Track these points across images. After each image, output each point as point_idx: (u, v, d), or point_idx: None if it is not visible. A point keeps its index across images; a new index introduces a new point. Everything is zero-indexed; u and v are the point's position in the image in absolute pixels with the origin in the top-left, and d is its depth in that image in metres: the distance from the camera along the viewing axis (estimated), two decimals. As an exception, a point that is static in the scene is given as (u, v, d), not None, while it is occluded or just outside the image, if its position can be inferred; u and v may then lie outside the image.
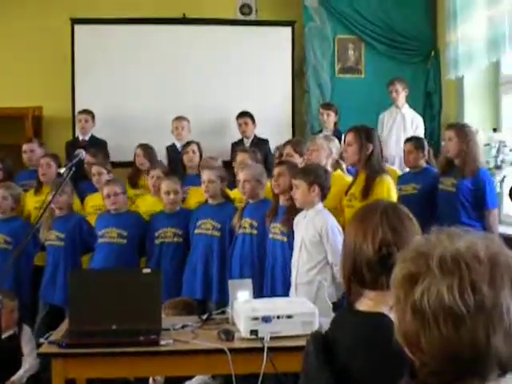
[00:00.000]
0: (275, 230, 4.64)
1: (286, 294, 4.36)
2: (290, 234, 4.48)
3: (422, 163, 5.53)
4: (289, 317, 3.18)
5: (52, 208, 5.08)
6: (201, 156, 6.19)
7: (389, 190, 4.46)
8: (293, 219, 4.42)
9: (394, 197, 4.48)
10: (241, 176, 4.94)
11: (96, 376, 3.57)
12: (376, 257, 1.89)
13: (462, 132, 4.99)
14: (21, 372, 4.49)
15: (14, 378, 4.43)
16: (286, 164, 4.80)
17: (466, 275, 1.15)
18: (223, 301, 4.68)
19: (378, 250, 1.89)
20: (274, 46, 7.54)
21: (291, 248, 4.43)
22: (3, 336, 4.32)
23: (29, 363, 4.52)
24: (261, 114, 6.97)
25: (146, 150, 6.27)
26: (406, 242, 1.91)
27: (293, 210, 4.46)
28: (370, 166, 4.52)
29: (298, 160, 5.19)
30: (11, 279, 5.02)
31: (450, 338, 1.15)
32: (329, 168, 4.82)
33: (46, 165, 5.84)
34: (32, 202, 5.79)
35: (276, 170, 4.69)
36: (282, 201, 4.68)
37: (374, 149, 4.52)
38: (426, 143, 5.63)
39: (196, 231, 5.10)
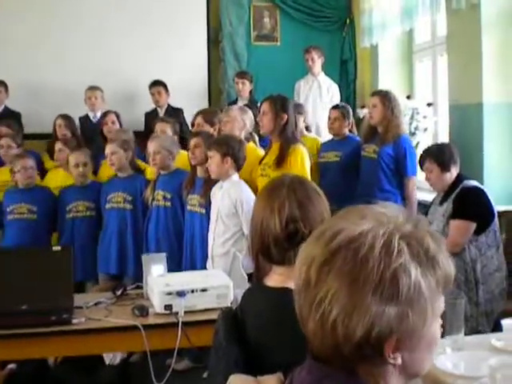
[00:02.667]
0: (193, 201, 4.59)
1: (205, 266, 4.35)
2: (208, 206, 4.45)
3: (346, 131, 5.57)
4: (203, 290, 3.17)
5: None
6: (120, 126, 6.05)
7: (302, 159, 4.46)
8: (210, 191, 4.41)
9: (307, 167, 4.49)
10: (150, 147, 4.84)
11: (9, 358, 3.50)
12: (283, 233, 1.88)
13: (387, 99, 5.04)
14: None
15: None
16: (202, 135, 4.73)
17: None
18: (139, 275, 4.67)
19: (284, 227, 1.88)
20: (188, 13, 7.42)
21: (209, 221, 4.41)
22: None
23: None
24: (176, 83, 6.84)
25: (68, 120, 6.09)
26: (313, 218, 1.91)
27: (211, 182, 4.42)
28: (285, 136, 4.51)
29: (210, 130, 5.15)
30: None
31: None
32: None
33: None
34: None
35: (192, 142, 4.62)
36: (200, 172, 4.63)
37: (288, 118, 4.52)
38: (351, 112, 5.68)
39: (107, 206, 4.98)
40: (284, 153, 4.45)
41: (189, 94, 7.15)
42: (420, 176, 5.90)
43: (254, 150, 4.94)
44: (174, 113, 6.49)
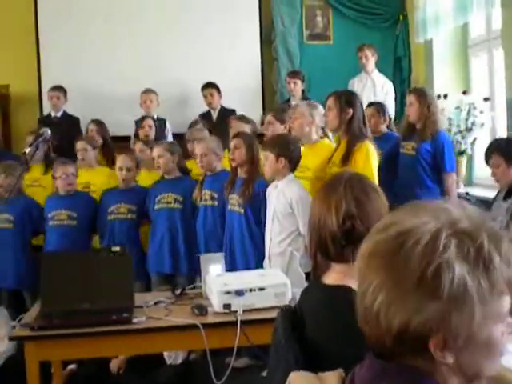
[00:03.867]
0: (233, 201, 4.65)
1: (246, 265, 4.41)
2: (247, 206, 4.52)
3: (383, 128, 5.55)
4: (261, 289, 3.19)
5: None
6: (156, 131, 6.15)
7: (367, 157, 4.30)
8: (250, 191, 4.48)
9: (372, 164, 4.32)
10: (197, 150, 4.92)
11: (69, 357, 3.57)
12: (340, 230, 1.88)
13: (422, 96, 5.02)
14: None
15: None
16: (241, 136, 4.75)
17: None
18: (192, 272, 4.79)
19: (341, 224, 1.88)
20: (241, 14, 7.45)
21: (247, 220, 4.51)
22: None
23: (4, 346, 4.48)
24: (229, 84, 6.90)
25: (100, 125, 6.21)
26: (371, 215, 1.90)
27: (250, 182, 4.50)
28: (351, 132, 4.38)
29: (280, 128, 5.14)
30: None
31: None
32: (314, 136, 4.74)
33: None
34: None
35: (232, 143, 4.65)
36: (241, 173, 4.67)
37: (354, 113, 4.39)
38: (386, 108, 5.63)
39: (156, 207, 5.07)
40: (350, 149, 4.32)
41: (242, 95, 7.18)
42: (480, 173, 5.83)
43: (329, 146, 4.78)
44: (227, 114, 6.53)
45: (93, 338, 3.14)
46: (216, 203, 4.85)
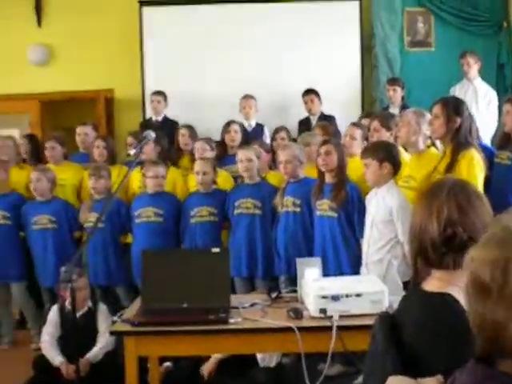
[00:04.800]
0: (323, 206, 4.65)
1: (338, 270, 4.41)
2: (341, 210, 4.53)
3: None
4: (358, 295, 3.16)
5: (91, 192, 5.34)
6: (243, 136, 6.21)
7: (471, 165, 4.11)
8: (343, 194, 4.49)
9: (477, 173, 4.12)
10: (281, 156, 4.95)
11: (167, 354, 3.65)
12: (441, 237, 1.85)
13: None
14: (96, 349, 4.61)
15: (90, 355, 4.54)
16: (332, 142, 4.78)
17: None
18: (269, 276, 4.94)
19: (442, 230, 1.85)
20: (341, 21, 7.46)
21: (341, 224, 4.50)
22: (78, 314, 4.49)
23: (104, 340, 4.63)
24: (329, 91, 6.92)
25: (191, 130, 6.32)
26: (474, 223, 1.85)
27: (341, 185, 4.52)
28: (457, 140, 4.17)
29: (386, 135, 5.04)
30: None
31: None
32: (420, 145, 4.56)
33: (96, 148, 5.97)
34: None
35: (323, 149, 4.65)
36: (328, 178, 4.68)
37: (462, 122, 4.17)
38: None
39: (236, 211, 5.14)
40: (455, 158, 4.12)
41: (341, 101, 7.19)
42: None
43: (436, 155, 4.55)
44: (327, 120, 6.54)
45: (190, 335, 3.21)
46: (298, 210, 4.86)
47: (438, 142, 4.74)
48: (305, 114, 6.90)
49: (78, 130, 6.46)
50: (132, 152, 3.89)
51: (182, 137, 6.29)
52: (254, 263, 5.08)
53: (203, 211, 5.23)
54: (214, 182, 5.34)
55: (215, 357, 4.52)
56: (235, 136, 6.18)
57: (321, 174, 4.72)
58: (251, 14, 7.47)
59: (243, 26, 7.42)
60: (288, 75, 7.32)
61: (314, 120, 6.76)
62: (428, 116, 4.59)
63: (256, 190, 5.16)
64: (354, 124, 5.55)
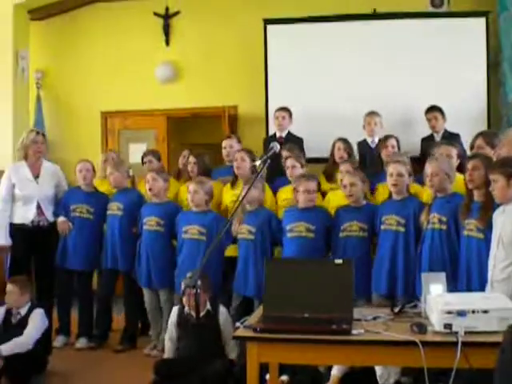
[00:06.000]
0: (470, 226, 4.48)
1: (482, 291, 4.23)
2: (487, 231, 4.29)
3: None
4: (485, 312, 3.08)
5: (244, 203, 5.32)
6: (399, 150, 6.13)
7: None
8: (489, 215, 4.24)
9: None
10: (429, 169, 4.85)
11: (287, 361, 3.68)
12: None
13: None
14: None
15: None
16: (480, 157, 4.59)
17: None
18: (408, 296, 4.68)
19: None
20: (467, 38, 7.34)
21: (488, 246, 4.24)
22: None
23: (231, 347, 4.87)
24: (453, 108, 6.81)
25: (347, 143, 6.33)
26: None
27: (489, 206, 4.28)
28: None
29: (490, 153, 4.93)
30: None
31: None
32: None
33: (240, 159, 6.01)
34: (229, 196, 6.03)
35: (470, 164, 4.51)
36: (477, 196, 4.51)
37: None
38: None
39: (382, 227, 5.11)
40: None
41: (467, 119, 7.06)
42: None
43: None
44: (451, 138, 6.41)
45: (312, 344, 3.21)
46: (445, 227, 4.73)
47: None
48: (428, 131, 6.79)
49: (224, 143, 6.57)
50: (257, 163, 3.96)
51: (338, 150, 6.31)
52: (394, 282, 4.98)
53: (353, 226, 5.23)
54: (365, 196, 5.38)
55: (334, 375, 4.51)
56: (391, 151, 6.05)
57: (469, 191, 4.56)
58: (374, 30, 7.47)
59: (366, 42, 7.44)
60: (412, 92, 7.27)
61: (437, 137, 6.64)
62: None
63: (401, 206, 5.08)
64: (448, 143, 5.53)
